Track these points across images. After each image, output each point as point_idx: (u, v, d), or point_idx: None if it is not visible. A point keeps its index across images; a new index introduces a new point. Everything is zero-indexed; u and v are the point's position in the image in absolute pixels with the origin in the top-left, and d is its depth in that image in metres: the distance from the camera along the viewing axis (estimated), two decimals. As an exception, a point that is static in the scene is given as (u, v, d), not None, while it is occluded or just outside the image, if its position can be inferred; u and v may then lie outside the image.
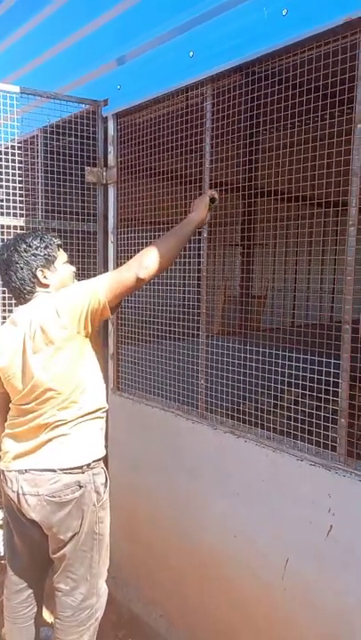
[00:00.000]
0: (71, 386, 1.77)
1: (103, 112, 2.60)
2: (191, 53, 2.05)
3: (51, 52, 2.96)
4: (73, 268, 1.93)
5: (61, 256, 1.88)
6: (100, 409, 1.86)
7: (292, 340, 2.17)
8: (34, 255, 1.79)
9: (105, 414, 1.90)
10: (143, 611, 2.50)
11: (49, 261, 1.82)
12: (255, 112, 1.91)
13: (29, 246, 1.79)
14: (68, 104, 2.60)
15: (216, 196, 1.96)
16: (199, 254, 3.32)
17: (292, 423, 1.83)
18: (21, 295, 1.83)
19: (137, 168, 2.47)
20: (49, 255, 1.82)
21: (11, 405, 1.88)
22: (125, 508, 2.62)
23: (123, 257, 2.64)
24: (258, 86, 1.84)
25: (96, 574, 1.86)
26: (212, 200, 1.95)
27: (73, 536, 1.78)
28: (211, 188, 2.09)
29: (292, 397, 2.09)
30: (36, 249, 1.80)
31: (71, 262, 1.96)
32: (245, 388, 2.08)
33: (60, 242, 1.88)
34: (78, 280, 1.93)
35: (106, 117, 2.60)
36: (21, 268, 1.78)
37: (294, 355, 1.87)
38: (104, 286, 1.74)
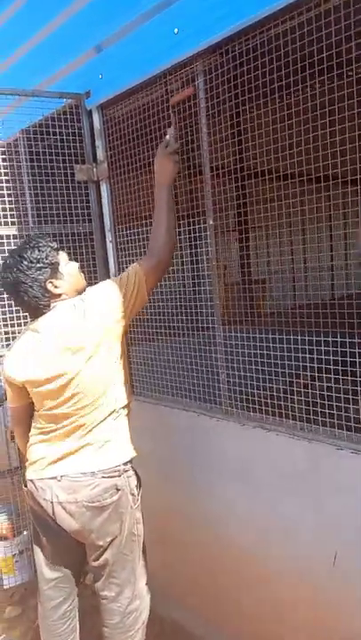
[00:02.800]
0: (104, 387, 1.75)
1: (87, 105, 2.47)
2: (176, 30, 1.93)
3: (24, 48, 2.82)
4: (76, 264, 1.87)
5: (62, 258, 1.81)
6: (130, 403, 1.86)
7: (304, 322, 2.06)
8: (38, 270, 1.72)
9: (131, 407, 1.88)
10: (186, 618, 2.41)
11: (54, 270, 1.76)
12: (247, 87, 1.80)
13: (31, 262, 1.72)
14: (49, 100, 2.46)
15: (174, 143, 1.85)
16: (195, 243, 3.19)
17: (321, 410, 1.73)
18: (38, 310, 1.77)
19: (129, 160, 2.34)
20: (52, 264, 1.75)
21: (38, 414, 1.83)
22: (157, 514, 2.51)
23: (123, 255, 2.52)
24: (252, 57, 1.72)
25: (139, 576, 1.84)
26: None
27: (112, 540, 1.76)
28: (212, 170, 1.97)
29: (308, 380, 1.98)
30: (39, 262, 1.72)
31: (71, 259, 1.90)
32: (267, 378, 1.98)
33: (55, 245, 1.80)
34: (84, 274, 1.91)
35: (90, 110, 2.47)
36: (31, 287, 1.72)
37: (314, 337, 1.76)
38: (140, 279, 1.78)
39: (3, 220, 2.47)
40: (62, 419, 1.77)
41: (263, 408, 1.93)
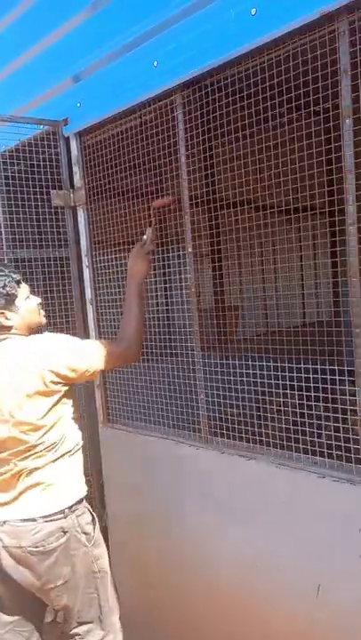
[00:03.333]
0: (51, 432, 1.72)
1: (64, 132, 2.47)
2: (155, 63, 1.97)
3: (2, 74, 2.83)
4: (37, 300, 1.84)
5: (22, 292, 1.77)
6: (77, 445, 1.81)
7: (277, 347, 2.08)
8: None
9: (81, 448, 1.85)
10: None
11: (9, 302, 1.72)
12: (225, 120, 1.84)
13: None
14: (26, 126, 2.46)
15: (149, 245, 1.93)
16: (167, 271, 3.19)
17: (301, 437, 1.72)
18: None
19: (106, 187, 2.35)
20: (8, 294, 1.71)
21: None
22: (133, 549, 2.44)
23: (99, 281, 2.50)
24: (230, 91, 1.77)
25: (108, 612, 1.81)
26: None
27: (65, 583, 1.71)
28: (190, 199, 1.99)
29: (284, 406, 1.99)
30: None
31: (34, 293, 1.88)
32: (247, 405, 1.97)
33: (18, 277, 1.77)
34: (44, 310, 1.89)
35: (68, 137, 2.48)
36: None
37: (298, 365, 1.77)
38: (98, 361, 1.76)
39: (-25, 244, 2.42)
40: (4, 461, 1.71)
41: (243, 435, 1.91)
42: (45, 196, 2.53)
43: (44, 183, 2.52)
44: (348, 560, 1.57)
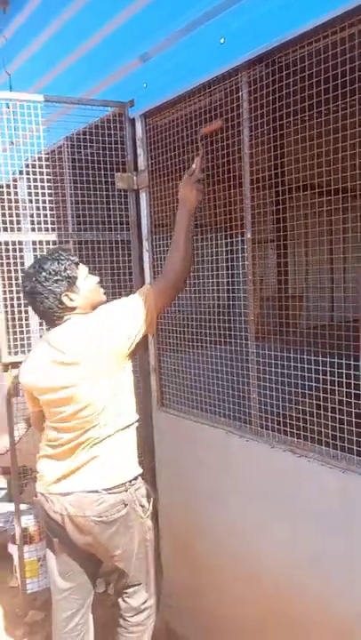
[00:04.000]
0: (112, 408, 1.79)
1: (130, 113, 2.46)
2: (222, 40, 1.89)
3: (72, 57, 2.86)
4: (96, 279, 1.92)
5: (82, 272, 1.86)
6: (135, 421, 1.90)
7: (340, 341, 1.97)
8: (55, 282, 1.78)
9: (137, 425, 1.92)
10: (204, 642, 2.33)
11: (71, 283, 1.81)
12: (292, 99, 1.74)
13: (49, 273, 1.78)
14: (94, 109, 2.48)
15: (199, 173, 1.92)
16: (232, 256, 3.12)
17: (356, 439, 1.63)
18: (52, 321, 1.85)
19: (169, 169, 2.32)
20: (70, 277, 1.81)
21: (46, 425, 1.89)
22: (181, 535, 2.46)
23: (159, 265, 2.50)
24: (299, 68, 1.66)
25: (152, 576, 1.96)
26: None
27: (123, 552, 1.84)
28: (251, 184, 1.92)
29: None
30: (56, 274, 1.78)
31: (95, 274, 1.95)
32: (302, 401, 1.89)
33: (76, 259, 1.86)
34: (103, 288, 1.94)
35: (133, 119, 2.47)
36: (46, 298, 1.78)
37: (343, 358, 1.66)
38: (151, 303, 1.82)
39: (44, 225, 2.50)
40: (66, 433, 1.80)
41: (295, 431, 1.84)
42: (110, 179, 2.55)
43: (108, 166, 2.54)
44: None
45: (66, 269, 1.80)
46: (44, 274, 1.78)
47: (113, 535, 1.80)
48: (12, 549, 2.86)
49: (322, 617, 1.74)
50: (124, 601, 1.96)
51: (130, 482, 1.81)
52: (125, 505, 1.79)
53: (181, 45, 2.11)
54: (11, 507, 3.30)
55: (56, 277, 1.78)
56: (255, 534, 2.00)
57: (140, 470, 1.88)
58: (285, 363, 1.91)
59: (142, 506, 1.86)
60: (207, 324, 2.34)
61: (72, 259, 1.83)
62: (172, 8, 2.13)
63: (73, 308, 1.82)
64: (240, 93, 1.88)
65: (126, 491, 1.80)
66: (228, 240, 3.79)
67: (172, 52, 2.17)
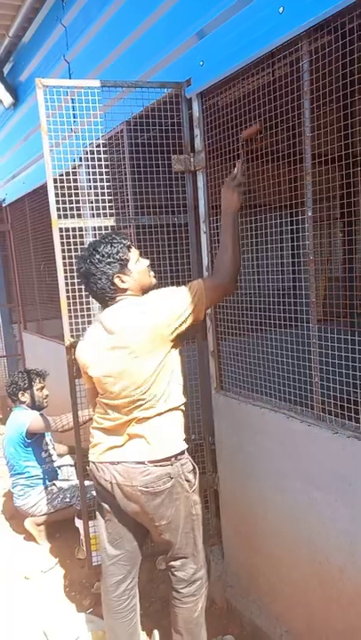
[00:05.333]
0: (158, 388, 1.85)
1: (187, 93, 2.42)
2: (281, 9, 1.80)
3: (129, 41, 2.84)
4: (147, 262, 1.98)
5: (133, 255, 1.93)
6: (182, 404, 1.94)
7: None
8: (108, 264, 1.86)
9: (185, 407, 1.97)
10: (266, 625, 2.33)
11: (123, 266, 1.89)
12: (356, 67, 1.63)
13: (103, 256, 1.86)
14: (151, 91, 2.46)
15: (240, 177, 1.95)
16: (297, 235, 3.01)
17: None
18: (104, 301, 1.93)
19: (226, 149, 2.27)
20: (122, 260, 1.88)
21: (98, 400, 1.98)
22: (241, 517, 2.46)
23: (216, 247, 2.46)
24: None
25: (200, 549, 2.01)
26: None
27: (169, 523, 1.89)
28: (313, 159, 1.83)
29: None
30: (109, 256, 1.86)
31: (145, 256, 2.02)
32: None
33: (128, 242, 1.92)
34: (160, 271, 2.03)
35: (190, 99, 2.43)
36: (100, 279, 1.87)
37: None
38: (201, 296, 1.85)
39: (102, 211, 2.53)
40: (117, 409, 1.90)
41: (360, 417, 1.77)
42: (168, 162, 2.53)
43: (165, 148, 2.52)
44: None
45: (118, 252, 1.87)
46: (97, 256, 1.86)
47: (159, 506, 1.86)
48: (79, 524, 2.99)
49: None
50: (173, 574, 2.01)
51: (175, 457, 1.87)
52: (171, 478, 1.85)
53: (238, 19, 2.04)
54: (75, 482, 3.45)
55: (109, 259, 1.86)
56: (316, 520, 1.96)
57: (186, 446, 1.93)
58: (350, 346, 1.83)
59: (188, 480, 1.91)
60: (269, 306, 2.29)
61: (124, 242, 1.90)
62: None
63: (124, 290, 1.90)
64: (300, 64, 1.79)
65: (172, 465, 1.85)
66: (293, 219, 3.67)
67: (229, 26, 2.10)
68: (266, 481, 2.23)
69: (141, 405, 1.86)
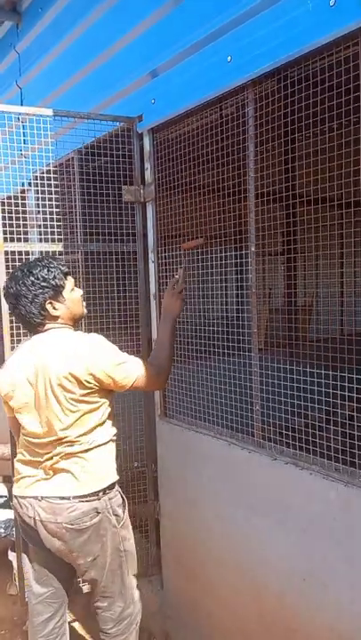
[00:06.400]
0: (86, 429, 1.79)
1: (138, 128, 2.51)
2: (229, 58, 1.93)
3: (82, 73, 2.92)
4: (81, 292, 1.94)
5: (69, 283, 1.87)
6: (110, 438, 1.89)
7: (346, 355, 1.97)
8: (42, 288, 1.79)
9: (116, 437, 1.93)
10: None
11: (57, 292, 1.82)
12: (296, 116, 1.77)
13: (37, 279, 1.79)
14: (103, 123, 2.53)
15: (181, 284, 2.05)
16: (241, 268, 3.14)
17: (359, 452, 1.63)
18: (31, 327, 1.85)
19: (176, 183, 2.36)
20: (57, 286, 1.81)
21: (22, 432, 1.89)
22: (182, 545, 2.46)
23: (164, 277, 2.52)
24: (301, 87, 1.70)
25: (129, 586, 1.93)
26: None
27: (94, 559, 1.82)
28: (256, 198, 1.95)
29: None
30: (44, 281, 1.79)
31: (78, 286, 1.99)
32: (302, 413, 1.90)
33: (67, 269, 1.88)
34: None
35: (141, 134, 2.51)
36: (30, 302, 1.79)
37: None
38: (134, 379, 1.82)
39: (51, 236, 2.53)
40: (40, 447, 1.81)
41: (297, 444, 1.85)
42: (118, 192, 2.59)
43: (116, 179, 2.58)
44: None
45: (55, 277, 1.80)
46: (32, 278, 1.78)
47: (85, 543, 1.79)
48: (12, 557, 2.86)
49: (324, 631, 1.73)
50: (101, 611, 1.92)
51: (104, 491, 1.81)
52: (98, 513, 1.79)
53: (190, 63, 2.16)
54: (10, 514, 3.30)
55: (43, 284, 1.78)
56: (257, 546, 1.99)
57: (117, 478, 1.88)
58: (289, 375, 1.92)
59: (116, 515, 1.84)
60: (213, 335, 2.36)
61: (62, 268, 1.85)
62: (181, 27, 2.19)
63: (55, 318, 1.83)
64: (246, 110, 1.92)
65: (99, 499, 1.79)
66: (238, 252, 3.81)
67: (181, 68, 2.22)
68: (208, 508, 2.25)
69: (67, 442, 1.78)
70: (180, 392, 2.45)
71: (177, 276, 2.07)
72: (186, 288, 2.06)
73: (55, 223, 2.54)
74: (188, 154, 2.24)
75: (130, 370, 1.82)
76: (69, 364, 1.73)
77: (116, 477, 1.88)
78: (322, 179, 1.87)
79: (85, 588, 2.34)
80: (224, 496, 2.15)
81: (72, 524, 1.76)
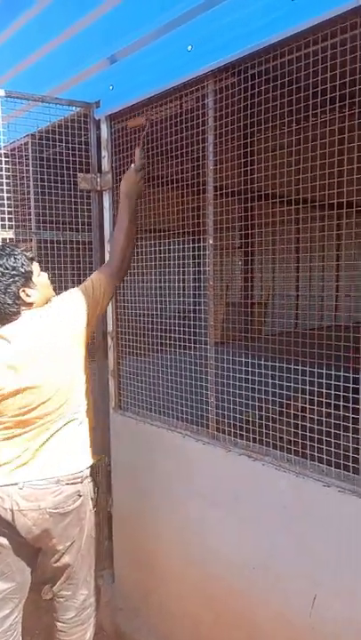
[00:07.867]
0: (67, 395, 1.80)
1: (95, 114, 2.45)
2: (190, 47, 1.91)
3: (39, 54, 2.82)
4: (46, 275, 1.93)
5: (35, 268, 1.86)
6: (91, 410, 1.92)
7: (300, 349, 2.02)
8: (12, 277, 1.77)
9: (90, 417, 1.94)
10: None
11: (27, 279, 1.80)
12: (256, 109, 1.78)
13: (6, 268, 1.76)
14: (59, 107, 2.45)
15: (137, 155, 2.09)
16: (199, 261, 3.14)
17: (310, 443, 1.67)
18: (6, 317, 1.80)
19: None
20: (26, 272, 1.80)
21: (1, 419, 1.81)
22: (135, 538, 2.44)
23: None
24: (262, 80, 1.70)
25: (92, 575, 1.94)
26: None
27: (72, 544, 1.83)
28: (215, 190, 1.94)
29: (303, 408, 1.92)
30: (13, 269, 1.77)
31: (44, 269, 1.98)
32: (256, 405, 1.92)
33: (32, 254, 1.87)
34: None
35: (98, 120, 2.45)
36: (4, 293, 1.75)
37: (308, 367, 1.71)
38: (104, 285, 1.91)
39: (1, 222, 2.43)
40: (23, 425, 1.78)
41: (251, 435, 1.87)
42: (74, 179, 2.52)
43: (72, 166, 2.51)
44: (346, 575, 1.53)
45: (23, 265, 1.79)
46: (0, 269, 1.75)
47: (66, 527, 1.79)
48: None
49: (273, 616, 1.77)
50: (60, 603, 1.91)
51: (85, 470, 1.83)
52: (80, 496, 1.80)
53: (149, 50, 2.12)
54: None
55: (13, 272, 1.76)
56: (209, 537, 2.01)
57: (92, 461, 1.89)
58: (244, 368, 1.93)
59: (92, 499, 1.88)
60: (169, 327, 2.35)
61: (26, 254, 1.83)
62: (142, 12, 2.14)
63: (30, 304, 1.82)
64: (206, 101, 1.90)
65: (82, 482, 1.81)
66: (195, 245, 3.81)
67: (140, 55, 2.17)
68: (161, 500, 2.25)
69: (53, 418, 1.78)
70: (135, 385, 2.42)
71: (136, 154, 2.10)
72: (144, 166, 2.11)
73: (6, 209, 2.44)
74: (148, 143, 2.21)
75: (92, 286, 1.89)
76: (45, 336, 1.76)
77: (91, 459, 1.88)
78: (279, 175, 1.89)
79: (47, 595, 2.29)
80: (178, 488, 2.15)
81: (56, 509, 1.76)
